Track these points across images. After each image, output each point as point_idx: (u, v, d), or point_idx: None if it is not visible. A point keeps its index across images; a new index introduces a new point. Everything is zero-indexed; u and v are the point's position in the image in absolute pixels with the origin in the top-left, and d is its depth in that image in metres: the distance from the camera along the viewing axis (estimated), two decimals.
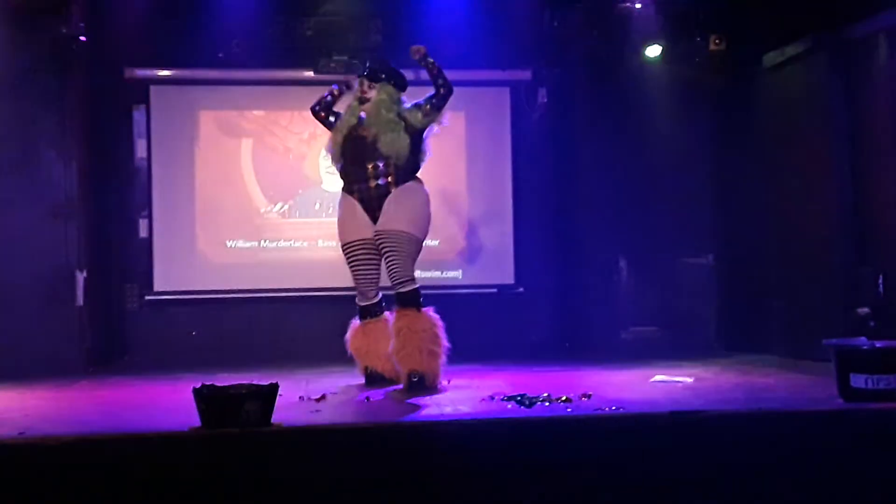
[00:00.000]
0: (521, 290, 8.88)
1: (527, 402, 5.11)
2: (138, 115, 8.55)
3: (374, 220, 6.23)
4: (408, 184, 6.27)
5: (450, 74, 8.71)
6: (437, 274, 8.76)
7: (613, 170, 8.61)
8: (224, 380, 4.67)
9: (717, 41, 7.98)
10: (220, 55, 8.41)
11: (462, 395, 5.67)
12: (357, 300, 6.49)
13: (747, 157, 8.21)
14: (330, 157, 6.41)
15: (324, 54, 8.46)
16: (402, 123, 6.24)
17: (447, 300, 8.56)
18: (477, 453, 4.30)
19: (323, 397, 5.49)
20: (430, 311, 6.19)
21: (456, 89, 8.73)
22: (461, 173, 8.92)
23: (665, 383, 6.00)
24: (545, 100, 8.92)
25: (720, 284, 8.59)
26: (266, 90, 8.73)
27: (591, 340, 8.47)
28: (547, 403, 5.10)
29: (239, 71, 8.55)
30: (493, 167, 8.92)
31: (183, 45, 8.34)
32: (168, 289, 8.47)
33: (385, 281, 6.42)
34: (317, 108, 6.55)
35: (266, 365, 7.14)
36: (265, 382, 4.48)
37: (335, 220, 8.46)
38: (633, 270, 8.77)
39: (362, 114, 6.29)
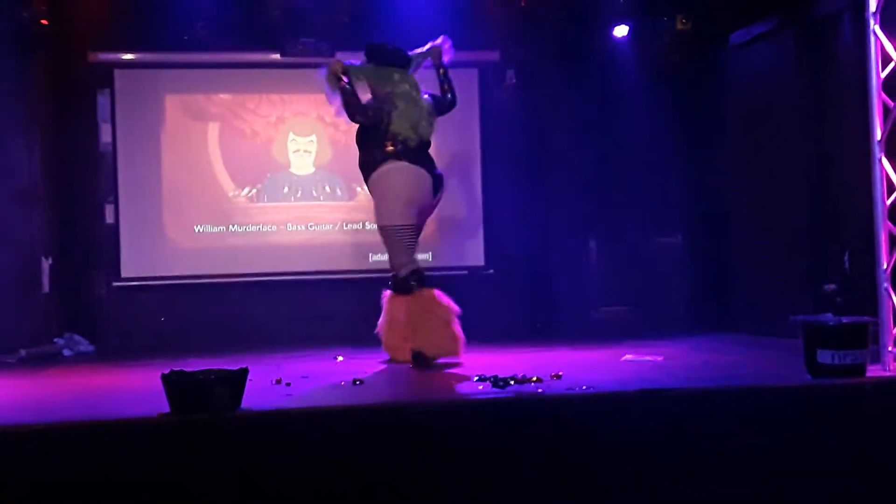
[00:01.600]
0: (492, 271, 8.88)
1: (499, 383, 5.11)
2: (102, 99, 8.42)
3: None
4: (378, 170, 6.29)
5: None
6: None
7: (582, 150, 8.63)
8: (194, 365, 4.64)
9: (683, 21, 8.00)
10: (186, 38, 8.31)
11: (433, 377, 5.68)
12: None
13: (715, 137, 8.26)
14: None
15: (291, 36, 8.38)
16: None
17: None
18: (449, 435, 4.30)
19: (279, 381, 5.45)
20: (423, 294, 6.27)
21: (424, 71, 8.70)
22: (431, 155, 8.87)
23: (635, 362, 6.04)
24: (514, 81, 8.89)
25: (689, 263, 8.64)
26: (233, 73, 8.64)
27: (561, 321, 8.49)
28: (519, 384, 5.11)
29: (205, 54, 8.45)
30: (461, 149, 8.89)
31: (147, 28, 8.23)
32: (136, 275, 8.38)
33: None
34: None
35: (236, 350, 7.10)
36: (235, 367, 4.46)
37: (304, 203, 8.58)
38: (602, 250, 8.80)
39: None
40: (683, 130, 8.61)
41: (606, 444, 4.34)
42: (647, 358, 6.13)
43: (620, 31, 8.33)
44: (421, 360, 6.10)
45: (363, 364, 6.36)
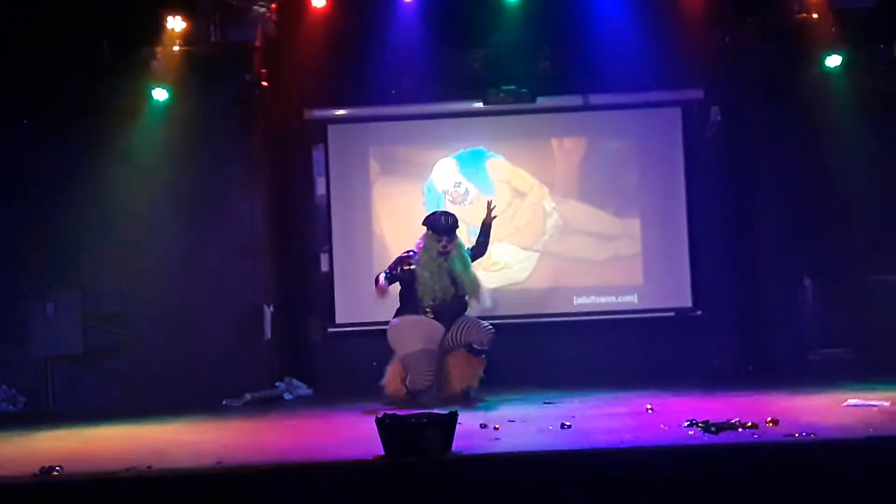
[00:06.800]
0: (699, 312, 8.64)
1: (711, 429, 4.96)
2: (317, 153, 8.86)
3: None
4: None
5: (619, 97, 8.75)
6: (611, 299, 8.67)
7: (793, 186, 8.31)
8: (406, 409, 4.77)
9: None
10: (393, 91, 8.66)
11: (641, 421, 5.58)
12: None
13: None
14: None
15: (492, 85, 8.57)
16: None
17: (622, 325, 8.55)
18: (658, 481, 4.22)
19: (484, 426, 5.50)
20: None
21: (626, 112, 8.82)
22: (634, 196, 8.80)
23: (859, 407, 5.71)
24: (719, 118, 8.68)
25: None
26: (437, 123, 8.88)
27: (775, 364, 8.17)
28: (732, 430, 4.94)
29: (411, 106, 8.75)
30: (666, 189, 8.76)
31: (357, 84, 8.63)
32: (349, 321, 8.69)
33: None
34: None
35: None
36: (445, 412, 4.56)
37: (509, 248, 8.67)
38: (819, 289, 8.40)
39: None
40: None
41: (830, 496, 4.12)
42: (873, 403, 5.78)
43: (833, 61, 7.99)
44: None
45: (570, 409, 6.33)
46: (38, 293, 8.16)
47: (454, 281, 7.16)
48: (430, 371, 7.00)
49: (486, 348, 7.16)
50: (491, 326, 7.19)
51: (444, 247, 7.15)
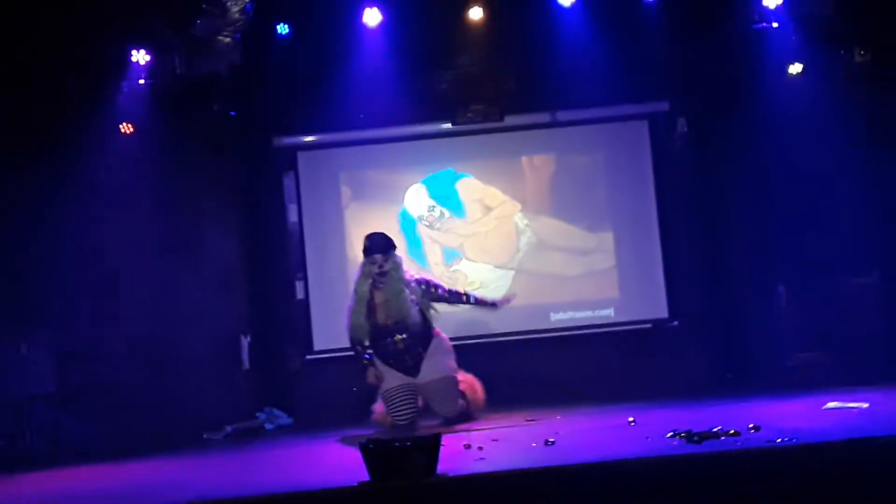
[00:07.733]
0: (676, 323, 8.70)
1: (694, 438, 4.98)
2: (288, 181, 8.85)
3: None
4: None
5: (586, 112, 8.83)
6: (588, 314, 8.70)
7: (762, 193, 8.40)
8: (388, 433, 4.76)
9: (861, 53, 7.72)
10: (361, 116, 8.67)
11: (624, 434, 5.59)
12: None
13: None
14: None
15: (461, 105, 8.61)
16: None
17: (600, 339, 8.58)
18: (643, 493, 4.22)
19: (468, 446, 5.49)
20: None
21: (594, 126, 8.86)
22: (606, 210, 8.86)
23: (838, 410, 5.75)
24: (685, 129, 8.79)
25: (890, 303, 8.19)
26: (406, 146, 8.91)
27: (753, 370, 8.21)
28: (715, 438, 4.96)
29: (379, 129, 8.78)
30: (636, 202, 8.82)
31: (325, 110, 8.63)
32: (327, 347, 8.65)
33: None
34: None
35: (428, 416, 7.20)
36: (428, 434, 4.54)
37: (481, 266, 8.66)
38: (792, 295, 8.47)
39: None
40: (872, 165, 8.23)
41: (814, 499, 4.15)
42: (852, 405, 5.83)
43: (794, 68, 8.11)
44: None
45: (553, 425, 6.33)
46: (11, 333, 8.06)
47: (392, 306, 6.64)
48: (410, 406, 6.73)
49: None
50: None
51: (381, 266, 6.61)
